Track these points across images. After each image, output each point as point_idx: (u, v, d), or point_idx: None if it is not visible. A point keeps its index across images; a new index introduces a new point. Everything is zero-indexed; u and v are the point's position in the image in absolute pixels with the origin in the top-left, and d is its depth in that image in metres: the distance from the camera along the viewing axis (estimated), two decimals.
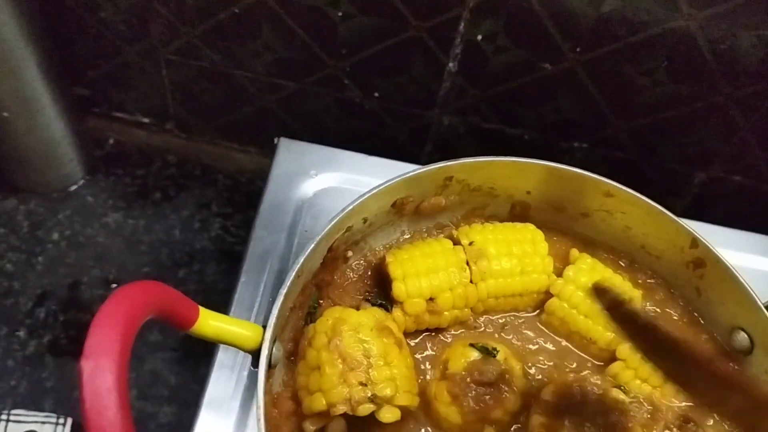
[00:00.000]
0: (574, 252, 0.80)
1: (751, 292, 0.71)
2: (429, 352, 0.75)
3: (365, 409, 0.64)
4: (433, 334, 0.76)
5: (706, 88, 0.92)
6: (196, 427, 0.73)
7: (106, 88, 1.11)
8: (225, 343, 0.61)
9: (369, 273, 0.77)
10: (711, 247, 0.74)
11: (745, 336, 0.73)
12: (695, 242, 0.75)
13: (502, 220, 0.83)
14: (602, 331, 0.75)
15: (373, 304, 0.73)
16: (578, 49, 0.90)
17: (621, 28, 0.87)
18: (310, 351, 0.66)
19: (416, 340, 0.76)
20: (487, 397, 0.69)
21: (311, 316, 0.72)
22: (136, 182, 1.13)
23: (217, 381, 0.75)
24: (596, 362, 0.77)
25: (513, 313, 0.79)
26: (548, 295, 0.77)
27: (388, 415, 0.65)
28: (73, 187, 1.11)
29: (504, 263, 0.75)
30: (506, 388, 0.70)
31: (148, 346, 0.99)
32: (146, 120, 1.16)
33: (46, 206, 1.09)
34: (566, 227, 0.83)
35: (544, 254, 0.77)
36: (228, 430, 0.73)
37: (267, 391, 0.61)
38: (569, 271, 0.77)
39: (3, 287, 1.02)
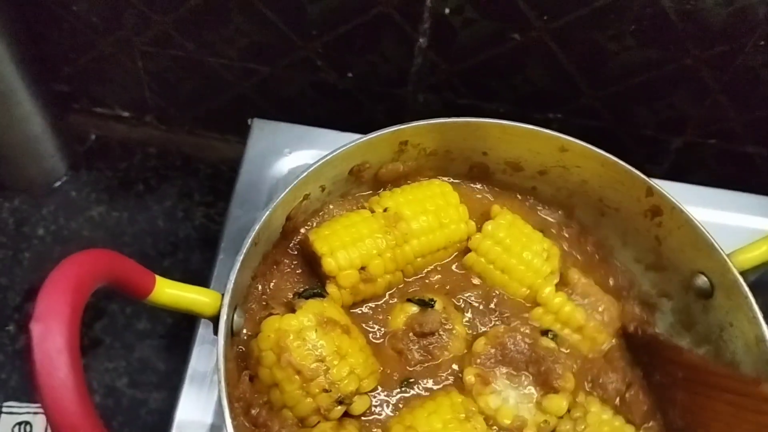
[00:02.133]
0: (496, 207, 0.80)
1: (708, 235, 0.72)
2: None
3: (337, 413, 0.65)
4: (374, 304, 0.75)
5: (674, 51, 0.93)
6: (180, 402, 0.74)
7: (84, 83, 1.12)
8: (183, 310, 0.62)
9: (295, 263, 0.75)
10: (666, 194, 0.75)
11: (706, 279, 0.74)
12: (650, 190, 0.76)
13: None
14: (518, 286, 0.76)
15: (306, 297, 0.70)
16: (545, 18, 0.91)
17: None
18: (261, 370, 0.65)
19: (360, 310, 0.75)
20: (431, 346, 0.71)
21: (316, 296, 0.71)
22: (118, 175, 1.14)
23: (199, 356, 0.76)
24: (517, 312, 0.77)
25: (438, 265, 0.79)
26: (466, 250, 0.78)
27: (359, 406, 0.67)
28: (57, 183, 1.12)
29: (422, 221, 0.75)
30: (447, 336, 0.71)
31: (137, 334, 1.00)
32: (126, 114, 1.16)
33: (30, 202, 1.10)
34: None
35: (456, 203, 0.78)
36: (211, 403, 0.74)
37: (230, 359, 0.61)
38: (488, 226, 0.77)
39: None
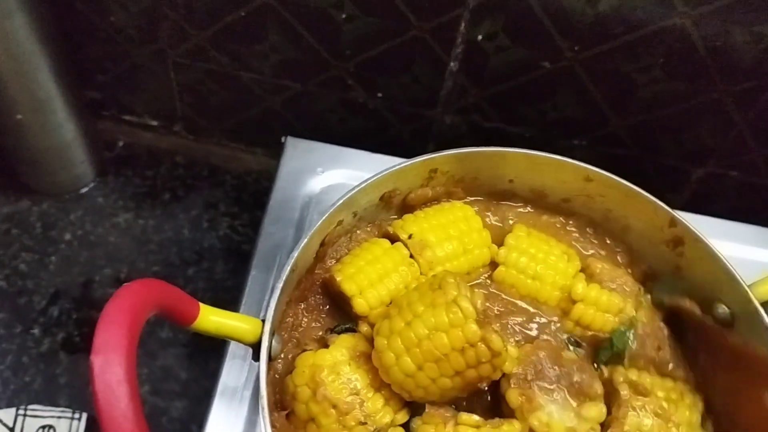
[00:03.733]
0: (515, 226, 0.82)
1: (729, 266, 0.73)
2: None
3: None
4: None
5: (702, 85, 0.94)
6: (210, 417, 0.75)
7: (115, 91, 1.14)
8: (226, 337, 0.63)
9: (323, 299, 0.75)
10: (689, 225, 0.76)
11: (726, 309, 0.75)
12: (673, 222, 0.77)
13: None
14: (550, 290, 0.76)
15: (338, 333, 0.71)
16: (576, 48, 0.92)
17: (618, 27, 0.89)
18: (297, 405, 0.66)
19: None
20: None
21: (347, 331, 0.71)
22: (145, 183, 1.16)
23: (230, 371, 0.77)
24: (553, 319, 0.78)
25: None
26: (492, 266, 0.79)
27: None
28: (84, 189, 1.14)
29: (447, 247, 0.76)
30: None
31: (160, 342, 1.01)
32: (155, 122, 1.18)
33: (58, 207, 1.12)
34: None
35: (479, 228, 0.79)
36: (241, 418, 0.76)
37: (269, 383, 0.63)
38: (510, 239, 0.78)
39: (17, 286, 1.04)
